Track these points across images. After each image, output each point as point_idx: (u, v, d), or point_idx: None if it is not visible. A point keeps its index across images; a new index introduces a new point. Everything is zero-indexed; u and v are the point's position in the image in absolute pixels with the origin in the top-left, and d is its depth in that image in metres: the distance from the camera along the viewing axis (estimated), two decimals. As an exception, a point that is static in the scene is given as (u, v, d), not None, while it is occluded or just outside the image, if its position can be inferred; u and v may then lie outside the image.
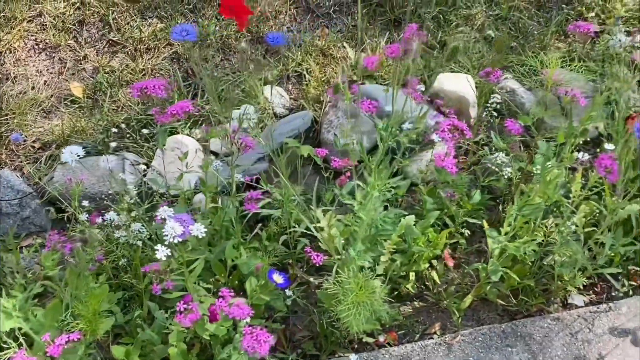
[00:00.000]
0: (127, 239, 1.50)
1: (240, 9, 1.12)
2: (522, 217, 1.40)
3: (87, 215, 1.52)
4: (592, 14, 2.08)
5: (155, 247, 1.06)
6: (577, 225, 1.53)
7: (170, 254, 1.07)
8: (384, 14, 2.14)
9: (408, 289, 1.63)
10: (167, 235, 1.05)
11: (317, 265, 1.34)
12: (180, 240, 1.07)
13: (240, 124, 1.40)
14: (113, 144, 1.64)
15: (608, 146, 1.42)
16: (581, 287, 1.62)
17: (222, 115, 1.28)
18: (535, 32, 2.04)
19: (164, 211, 1.07)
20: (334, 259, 1.36)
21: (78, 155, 1.33)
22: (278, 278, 1.33)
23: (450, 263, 1.54)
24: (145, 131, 1.78)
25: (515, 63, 1.92)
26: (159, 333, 1.41)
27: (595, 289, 1.66)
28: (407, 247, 1.54)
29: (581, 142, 1.73)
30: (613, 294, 1.63)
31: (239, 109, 1.71)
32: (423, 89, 1.89)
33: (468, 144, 1.73)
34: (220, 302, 1.13)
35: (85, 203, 1.57)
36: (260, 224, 1.65)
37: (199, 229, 1.09)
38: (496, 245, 1.49)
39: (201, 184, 1.46)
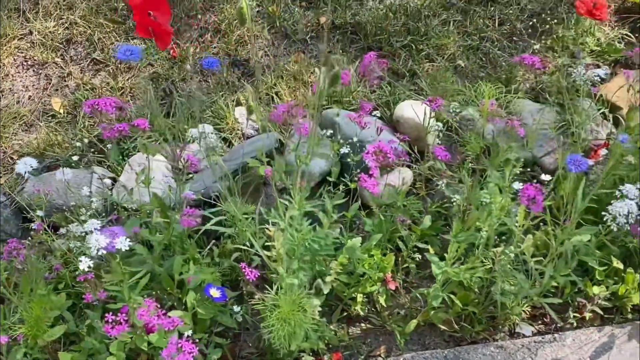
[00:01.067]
0: (81, 249, 1.56)
1: (158, 29, 1.16)
2: (456, 244, 1.43)
3: (45, 225, 1.58)
4: (560, 47, 2.11)
5: (79, 258, 1.11)
6: (524, 254, 1.55)
7: (91, 265, 1.12)
8: (358, 41, 2.20)
9: (357, 310, 1.65)
10: (91, 248, 1.10)
11: (253, 280, 1.37)
12: (105, 252, 1.12)
13: (192, 142, 1.45)
14: (75, 158, 1.70)
15: (544, 176, 1.44)
16: (526, 317, 1.63)
17: (168, 134, 1.34)
18: (504, 63, 2.07)
19: (91, 224, 1.13)
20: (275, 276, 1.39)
21: (32, 167, 1.40)
22: (215, 292, 1.36)
23: (392, 286, 1.56)
24: (110, 146, 1.85)
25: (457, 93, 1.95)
26: (102, 342, 1.45)
27: (545, 319, 1.66)
28: (353, 269, 1.57)
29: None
30: (560, 324, 1.64)
31: (190, 128, 1.77)
32: (379, 114, 1.94)
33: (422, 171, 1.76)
34: (143, 312, 1.17)
35: (52, 213, 1.64)
36: (214, 241, 1.69)
37: (123, 243, 1.13)
38: (438, 270, 1.51)
39: (152, 199, 1.51)
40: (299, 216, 1.16)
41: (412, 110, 1.82)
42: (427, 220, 1.66)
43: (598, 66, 2.04)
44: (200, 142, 1.58)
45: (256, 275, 1.35)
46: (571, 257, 1.42)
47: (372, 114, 1.84)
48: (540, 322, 1.66)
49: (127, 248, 1.14)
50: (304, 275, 1.29)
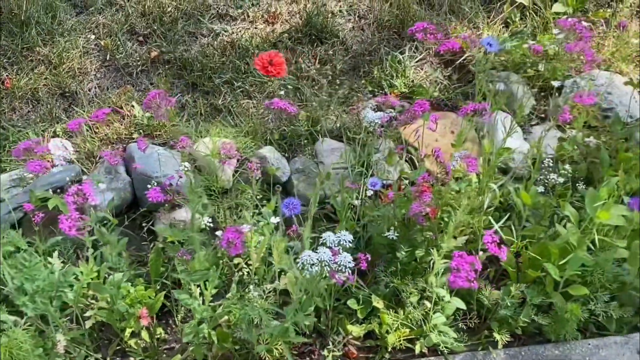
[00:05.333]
0: None
1: None
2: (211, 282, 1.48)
3: None
4: (370, 89, 2.18)
5: None
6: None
7: None
8: (184, 76, 2.25)
9: (130, 344, 1.68)
10: None
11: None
12: None
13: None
14: None
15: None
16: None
17: None
18: (321, 102, 2.13)
19: None
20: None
21: None
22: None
23: (145, 322, 1.59)
24: None
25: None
26: None
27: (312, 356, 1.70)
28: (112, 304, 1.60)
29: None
30: (323, 361, 1.68)
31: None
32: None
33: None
34: None
35: None
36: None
37: None
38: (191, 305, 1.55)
39: None
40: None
41: (206, 146, 1.87)
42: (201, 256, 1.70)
43: (404, 107, 2.10)
44: None
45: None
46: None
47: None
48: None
49: None
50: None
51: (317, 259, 1.27)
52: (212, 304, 1.64)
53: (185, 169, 1.53)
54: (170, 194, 1.87)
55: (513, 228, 1.73)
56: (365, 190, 1.78)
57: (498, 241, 1.34)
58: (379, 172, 1.94)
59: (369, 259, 1.34)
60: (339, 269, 1.29)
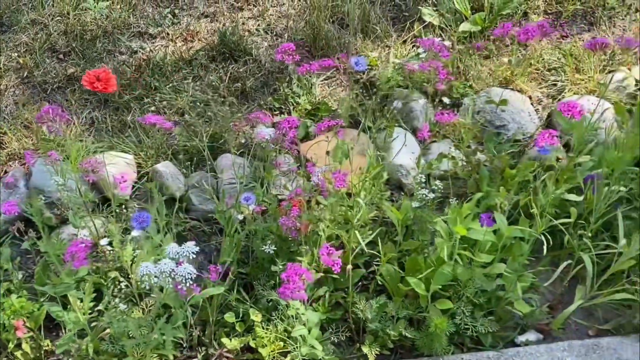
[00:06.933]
0: None
1: None
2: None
3: None
4: (277, 105, 2.22)
5: None
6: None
7: None
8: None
9: (17, 356, 1.70)
10: None
11: None
12: None
13: None
14: None
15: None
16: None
17: None
18: (225, 118, 2.17)
19: None
20: None
21: None
22: None
23: (20, 334, 1.62)
24: None
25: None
26: None
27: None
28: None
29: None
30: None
31: None
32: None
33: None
34: None
35: None
36: None
37: None
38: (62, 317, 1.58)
39: None
40: None
41: (113, 163, 1.92)
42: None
43: (308, 123, 2.14)
44: None
45: None
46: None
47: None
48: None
49: None
50: None
51: (158, 271, 1.30)
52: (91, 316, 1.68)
53: (57, 183, 1.56)
54: (59, 208, 1.91)
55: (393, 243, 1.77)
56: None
57: (334, 253, 1.37)
58: (275, 187, 1.97)
59: (221, 269, 1.38)
60: (181, 280, 1.32)
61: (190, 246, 1.35)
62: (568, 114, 1.53)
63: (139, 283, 1.69)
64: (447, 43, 1.55)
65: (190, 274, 1.32)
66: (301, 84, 2.24)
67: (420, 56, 1.60)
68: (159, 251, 1.60)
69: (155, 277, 1.31)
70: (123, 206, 1.87)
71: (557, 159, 1.92)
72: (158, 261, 1.33)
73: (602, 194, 1.73)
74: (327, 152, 1.75)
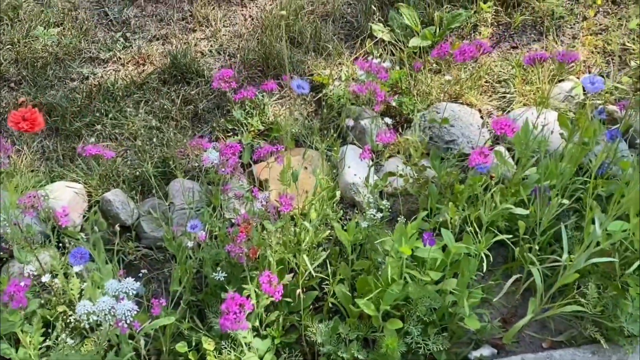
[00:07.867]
0: None
1: None
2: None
3: None
4: (230, 127, 2.21)
5: None
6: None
7: None
8: (47, 121, 2.27)
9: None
10: None
11: None
12: None
13: None
14: None
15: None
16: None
17: None
18: (178, 142, 2.16)
19: None
20: None
21: None
22: None
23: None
24: None
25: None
26: None
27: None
28: None
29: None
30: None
31: None
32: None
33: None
34: None
35: None
36: None
37: None
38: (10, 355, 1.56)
39: None
40: None
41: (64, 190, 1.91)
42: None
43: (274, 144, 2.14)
44: None
45: None
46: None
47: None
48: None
49: None
50: None
51: (97, 309, 1.29)
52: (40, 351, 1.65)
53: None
54: (6, 242, 1.88)
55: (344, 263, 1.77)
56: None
57: (275, 280, 1.36)
58: (228, 211, 1.96)
59: (163, 303, 1.36)
60: (121, 317, 1.30)
61: (130, 282, 1.33)
62: (500, 132, 1.54)
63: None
64: (386, 64, 1.55)
65: (130, 311, 1.30)
66: (253, 104, 2.23)
67: (361, 77, 1.60)
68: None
69: (95, 315, 1.30)
70: (71, 238, 1.85)
71: (491, 177, 1.92)
72: (104, 294, 1.31)
73: (548, 207, 1.74)
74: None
